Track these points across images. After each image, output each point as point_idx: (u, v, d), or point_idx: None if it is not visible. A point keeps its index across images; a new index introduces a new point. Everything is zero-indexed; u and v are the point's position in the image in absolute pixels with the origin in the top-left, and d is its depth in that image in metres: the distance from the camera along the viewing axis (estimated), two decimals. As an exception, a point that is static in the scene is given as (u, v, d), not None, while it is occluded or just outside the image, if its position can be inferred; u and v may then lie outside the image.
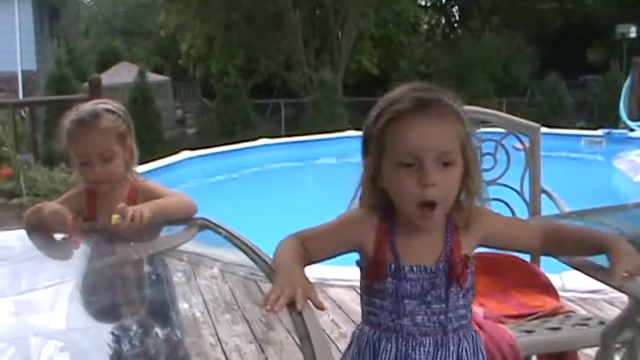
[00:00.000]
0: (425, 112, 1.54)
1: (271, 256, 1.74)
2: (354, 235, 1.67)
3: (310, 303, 1.46)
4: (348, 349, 1.76)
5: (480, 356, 1.69)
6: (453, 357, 1.64)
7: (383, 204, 1.64)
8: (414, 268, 1.62)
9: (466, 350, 1.65)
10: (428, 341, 1.63)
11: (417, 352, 1.63)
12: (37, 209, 2.31)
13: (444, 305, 1.63)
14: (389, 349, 1.64)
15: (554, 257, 1.81)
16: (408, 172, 1.53)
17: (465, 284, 1.63)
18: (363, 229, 1.66)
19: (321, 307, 1.46)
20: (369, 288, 1.67)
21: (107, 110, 2.37)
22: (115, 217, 2.19)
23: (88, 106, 2.38)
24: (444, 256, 1.63)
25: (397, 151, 1.55)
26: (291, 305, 1.44)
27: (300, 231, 1.71)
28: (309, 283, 1.53)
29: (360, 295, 1.74)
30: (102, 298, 2.14)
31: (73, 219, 2.23)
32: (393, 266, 1.62)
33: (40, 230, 2.27)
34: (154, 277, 2.36)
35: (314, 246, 1.68)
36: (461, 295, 1.64)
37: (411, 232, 1.62)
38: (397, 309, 1.63)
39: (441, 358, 1.63)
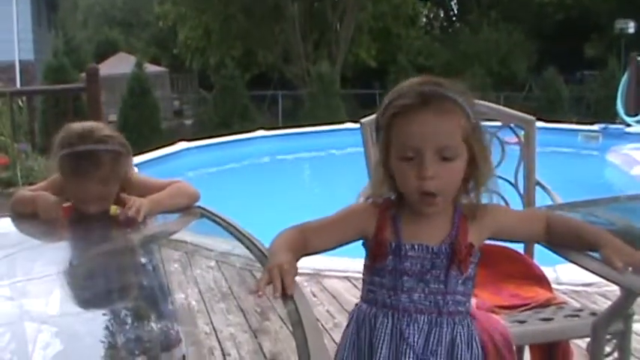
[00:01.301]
0: (426, 108, 1.59)
1: (268, 246, 1.77)
2: (358, 226, 1.74)
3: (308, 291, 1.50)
4: (347, 327, 1.82)
5: (474, 345, 1.72)
6: (446, 338, 1.68)
7: (394, 188, 1.70)
8: (416, 247, 1.67)
9: (460, 336, 1.70)
10: (422, 319, 1.68)
11: (412, 328, 1.68)
12: (30, 200, 2.30)
13: (442, 286, 1.68)
14: (385, 324, 1.69)
15: (549, 248, 1.83)
16: (409, 165, 1.60)
17: (466, 271, 1.68)
18: (365, 218, 1.73)
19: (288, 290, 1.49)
20: (371, 267, 1.74)
21: (107, 151, 2.20)
22: (113, 207, 2.20)
23: (84, 148, 2.18)
24: (449, 239, 1.68)
25: (400, 144, 1.62)
26: (283, 291, 1.47)
27: (303, 223, 1.76)
28: (293, 263, 1.57)
29: (363, 275, 1.80)
30: (95, 286, 2.14)
31: (66, 207, 2.23)
32: (393, 244, 1.68)
33: (27, 218, 2.27)
34: (148, 265, 2.36)
35: (317, 237, 1.74)
36: (460, 281, 1.69)
37: (418, 216, 1.68)
38: (395, 285, 1.69)
39: (434, 337, 1.68)
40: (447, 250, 1.67)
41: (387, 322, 1.69)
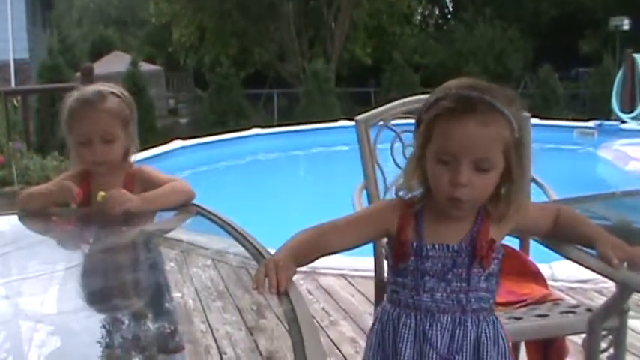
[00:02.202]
0: (471, 115, 1.56)
1: (263, 244, 1.78)
2: (381, 223, 1.74)
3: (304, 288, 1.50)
4: (372, 327, 1.82)
5: (501, 342, 1.72)
6: (471, 336, 1.68)
7: (423, 182, 1.68)
8: (437, 246, 1.67)
9: (486, 333, 1.69)
10: (446, 319, 1.67)
11: (434, 328, 1.67)
12: (39, 194, 2.31)
13: (464, 284, 1.67)
14: (408, 324, 1.69)
15: (544, 245, 1.83)
16: (444, 169, 1.58)
17: (488, 266, 1.67)
18: (388, 216, 1.72)
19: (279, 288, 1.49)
20: (394, 267, 1.74)
21: (112, 93, 2.37)
22: (101, 194, 2.19)
23: (93, 87, 2.38)
24: (469, 237, 1.67)
25: (438, 146, 1.59)
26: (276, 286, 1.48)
27: (325, 222, 1.75)
28: (288, 261, 1.57)
29: (387, 275, 1.80)
30: (94, 284, 2.14)
31: (80, 192, 2.25)
32: (415, 245, 1.67)
33: (36, 216, 2.27)
34: (147, 263, 2.36)
35: (339, 235, 1.74)
36: (483, 278, 1.68)
37: (441, 215, 1.67)
38: (417, 286, 1.68)
39: (458, 336, 1.67)
40: (468, 247, 1.66)
41: (410, 323, 1.69)
